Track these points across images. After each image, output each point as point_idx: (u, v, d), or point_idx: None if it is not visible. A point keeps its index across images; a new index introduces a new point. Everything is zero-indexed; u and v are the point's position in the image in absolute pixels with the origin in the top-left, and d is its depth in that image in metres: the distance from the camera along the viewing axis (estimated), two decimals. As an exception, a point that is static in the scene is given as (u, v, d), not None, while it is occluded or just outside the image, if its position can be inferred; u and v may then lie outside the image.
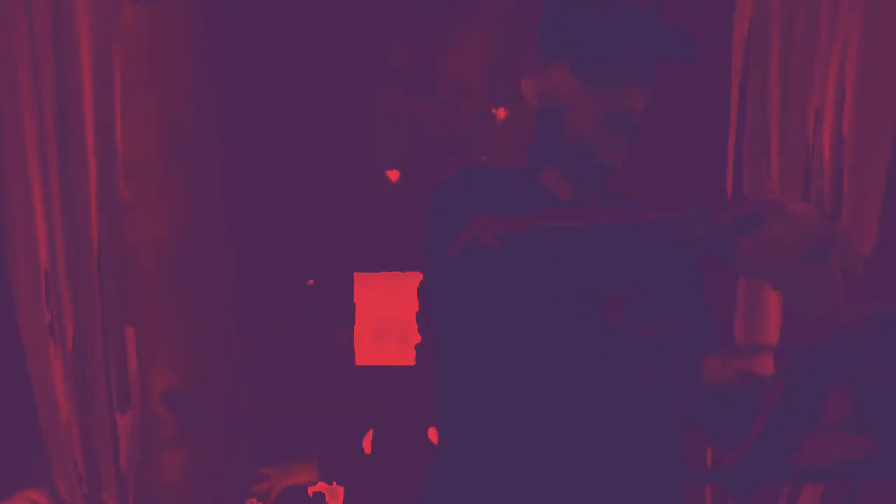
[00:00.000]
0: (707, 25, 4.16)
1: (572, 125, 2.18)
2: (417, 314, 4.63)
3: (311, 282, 4.86)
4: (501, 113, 4.65)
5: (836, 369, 1.88)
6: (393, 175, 4.78)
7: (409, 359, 4.79)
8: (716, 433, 2.18)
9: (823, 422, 1.89)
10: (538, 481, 2.13)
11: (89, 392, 4.20)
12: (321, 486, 4.83)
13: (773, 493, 3.80)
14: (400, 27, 4.72)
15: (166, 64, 4.62)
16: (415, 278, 4.68)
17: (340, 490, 4.84)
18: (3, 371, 4.18)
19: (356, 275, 4.82)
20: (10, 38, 4.07)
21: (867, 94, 3.90)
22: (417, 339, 4.72)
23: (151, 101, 4.59)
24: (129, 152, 4.42)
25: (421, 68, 4.73)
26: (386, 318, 4.81)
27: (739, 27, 4.02)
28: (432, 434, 4.71)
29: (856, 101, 3.93)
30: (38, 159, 4.11)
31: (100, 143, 4.20)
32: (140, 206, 4.55)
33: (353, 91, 4.78)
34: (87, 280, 4.18)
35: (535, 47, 2.25)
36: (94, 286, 4.19)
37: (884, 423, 1.89)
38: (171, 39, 4.64)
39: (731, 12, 4.03)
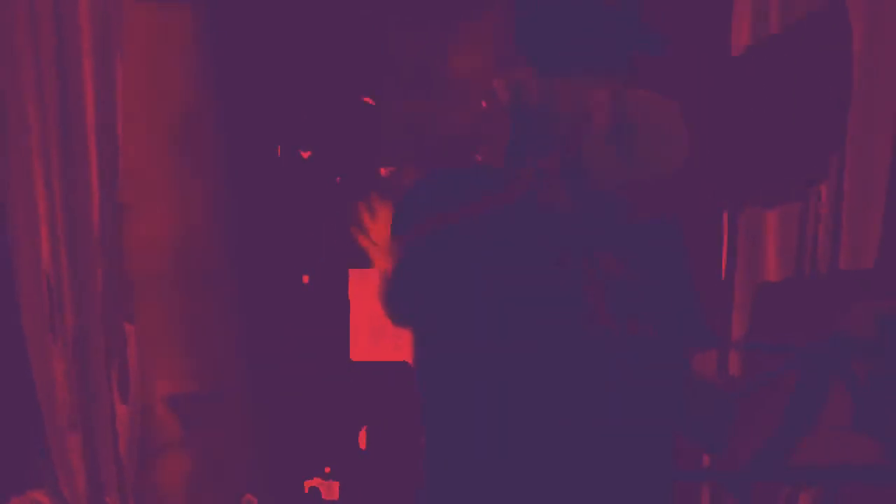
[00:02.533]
0: (705, 27, 4.17)
1: (543, 125, 2.17)
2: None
3: (306, 278, 4.86)
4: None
5: (837, 369, 1.88)
6: (385, 172, 4.79)
7: (404, 355, 4.79)
8: (701, 432, 2.18)
9: (824, 422, 1.89)
10: (525, 480, 2.13)
11: (91, 391, 4.20)
12: (317, 482, 4.83)
13: (773, 494, 3.81)
14: (404, 26, 4.72)
15: (170, 63, 4.62)
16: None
17: (336, 485, 4.84)
18: (6, 372, 4.18)
19: (351, 271, 4.82)
20: (13, 39, 4.07)
21: (868, 94, 3.91)
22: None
23: (154, 100, 4.59)
24: (132, 152, 4.41)
25: (424, 67, 4.72)
26: (381, 314, 4.79)
27: (737, 29, 4.04)
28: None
29: (857, 100, 3.94)
30: (41, 158, 4.12)
31: (101, 143, 4.21)
32: (143, 206, 4.54)
33: (354, 90, 4.77)
34: (87, 279, 4.18)
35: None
36: (95, 285, 4.19)
37: (886, 425, 1.89)
38: (175, 38, 4.63)
39: (730, 13, 4.04)
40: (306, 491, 4.82)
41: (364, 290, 4.78)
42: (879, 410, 1.91)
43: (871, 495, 3.54)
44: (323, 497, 4.83)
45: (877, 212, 3.90)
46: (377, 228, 2.32)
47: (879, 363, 1.90)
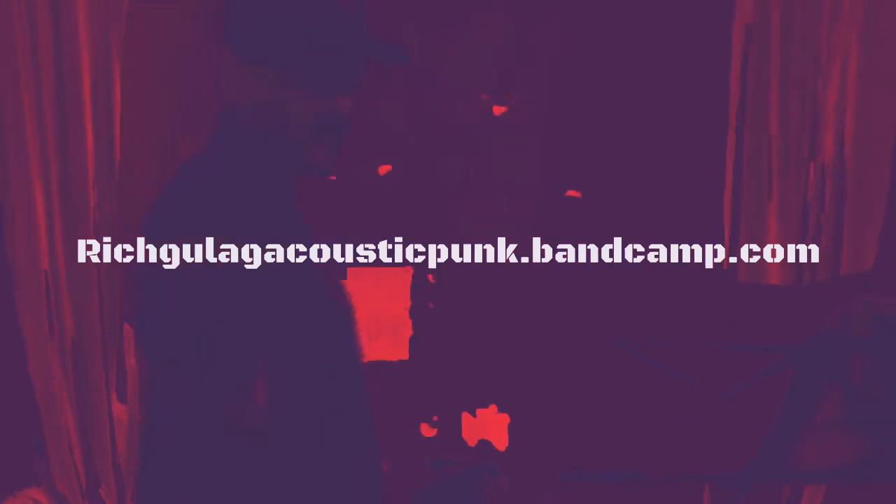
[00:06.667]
0: (705, 27, 4.17)
1: (282, 125, 2.09)
2: (410, 309, 4.65)
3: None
4: (497, 109, 4.66)
5: (831, 367, 1.88)
6: (384, 170, 4.80)
7: (401, 353, 4.80)
8: None
9: (817, 421, 1.89)
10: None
11: (88, 389, 4.21)
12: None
13: (773, 494, 3.81)
14: (403, 20, 4.73)
15: (173, 61, 4.62)
16: (407, 273, 4.69)
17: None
18: (3, 370, 4.19)
19: (349, 269, 4.82)
20: (10, 37, 4.08)
21: (868, 99, 3.92)
22: (410, 333, 4.73)
23: (158, 98, 4.60)
24: (131, 150, 4.42)
25: (420, 62, 4.73)
26: (378, 312, 4.81)
27: (739, 29, 4.04)
28: (424, 429, 4.72)
29: (858, 105, 3.95)
30: (39, 156, 4.12)
31: (99, 142, 4.21)
32: (143, 205, 4.53)
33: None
34: (86, 278, 4.19)
35: (231, 39, 2.11)
36: (94, 284, 4.19)
37: (879, 423, 1.89)
38: (178, 35, 4.64)
39: (732, 10, 4.05)
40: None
41: (361, 289, 4.79)
42: (875, 410, 1.91)
43: (867, 494, 3.54)
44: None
45: (877, 211, 3.91)
46: None
47: (876, 362, 1.90)
